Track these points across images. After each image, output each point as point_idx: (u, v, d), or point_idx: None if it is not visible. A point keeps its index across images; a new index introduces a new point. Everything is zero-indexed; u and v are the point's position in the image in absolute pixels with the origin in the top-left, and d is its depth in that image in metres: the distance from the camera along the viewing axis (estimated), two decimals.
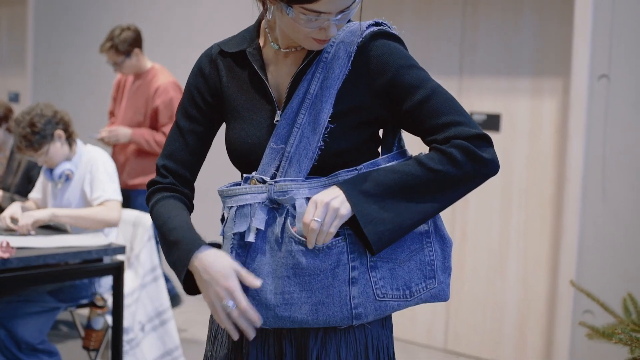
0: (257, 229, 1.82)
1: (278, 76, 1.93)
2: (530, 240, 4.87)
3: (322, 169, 1.85)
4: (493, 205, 4.98)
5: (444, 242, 1.91)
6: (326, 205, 1.75)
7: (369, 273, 1.82)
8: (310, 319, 1.81)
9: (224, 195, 1.89)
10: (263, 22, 1.95)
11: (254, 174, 1.87)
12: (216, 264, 1.79)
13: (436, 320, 5.26)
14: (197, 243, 1.83)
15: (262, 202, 1.83)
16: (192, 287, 1.90)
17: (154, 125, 5.06)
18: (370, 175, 1.80)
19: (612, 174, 4.35)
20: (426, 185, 1.78)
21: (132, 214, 4.33)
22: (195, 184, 2.06)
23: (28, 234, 3.74)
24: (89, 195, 3.92)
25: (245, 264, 1.83)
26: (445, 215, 5.14)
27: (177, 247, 1.85)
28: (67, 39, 6.89)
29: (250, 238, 1.82)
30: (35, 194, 4.21)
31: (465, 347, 5.15)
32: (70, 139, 3.98)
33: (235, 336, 1.80)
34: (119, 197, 3.92)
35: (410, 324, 5.37)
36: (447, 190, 1.80)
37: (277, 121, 1.88)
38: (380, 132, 1.96)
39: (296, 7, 1.73)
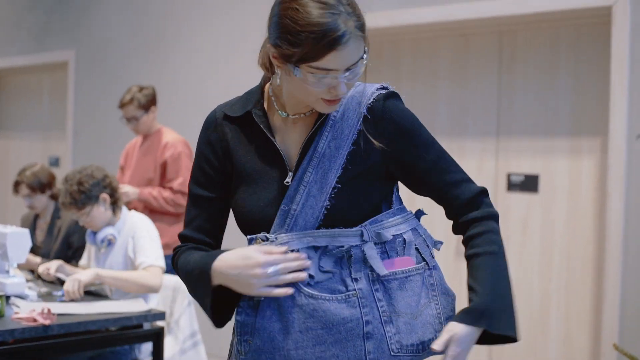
0: None
1: (288, 141, 1.92)
2: (571, 301, 4.81)
3: (326, 226, 1.84)
4: (533, 265, 4.93)
5: (448, 295, 1.95)
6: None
7: (384, 328, 1.81)
8: None
9: None
10: (267, 88, 1.96)
11: (259, 234, 1.86)
12: (236, 253, 1.81)
13: None
14: (212, 256, 1.84)
15: None
16: (220, 318, 1.91)
17: (162, 182, 5.10)
18: (494, 293, 1.83)
19: None
20: (506, 265, 1.89)
21: (172, 279, 4.34)
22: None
23: (78, 298, 3.78)
24: (134, 261, 3.96)
25: (255, 322, 1.82)
26: None
27: (196, 270, 1.86)
28: (107, 104, 7.00)
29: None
30: (84, 260, 4.29)
31: None
32: (115, 205, 4.05)
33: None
34: (161, 263, 3.96)
35: None
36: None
37: (287, 182, 1.88)
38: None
39: (303, 66, 1.73)
